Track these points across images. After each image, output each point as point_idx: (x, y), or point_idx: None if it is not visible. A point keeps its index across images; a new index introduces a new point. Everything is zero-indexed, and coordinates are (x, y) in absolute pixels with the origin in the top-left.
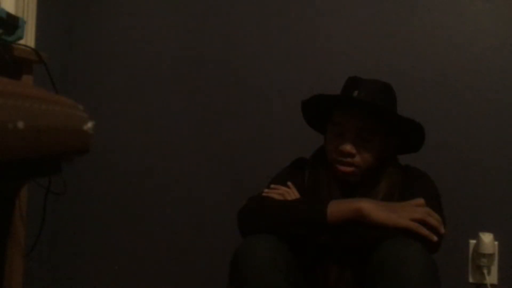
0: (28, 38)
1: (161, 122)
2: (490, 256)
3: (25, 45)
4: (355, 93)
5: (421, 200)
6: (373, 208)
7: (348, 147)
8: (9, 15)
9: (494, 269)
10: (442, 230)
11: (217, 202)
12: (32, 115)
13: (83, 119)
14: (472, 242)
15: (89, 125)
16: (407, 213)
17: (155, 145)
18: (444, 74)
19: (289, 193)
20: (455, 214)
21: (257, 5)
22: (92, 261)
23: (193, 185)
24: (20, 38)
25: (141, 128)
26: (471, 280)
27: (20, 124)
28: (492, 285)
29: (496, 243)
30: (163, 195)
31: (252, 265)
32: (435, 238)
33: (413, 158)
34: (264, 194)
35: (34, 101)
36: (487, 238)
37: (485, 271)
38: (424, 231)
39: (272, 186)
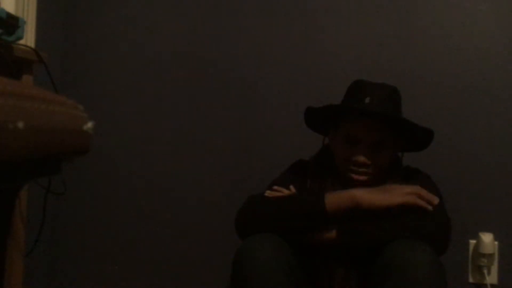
0: (28, 38)
1: (161, 122)
2: (490, 256)
3: (25, 45)
4: (367, 100)
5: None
6: (365, 194)
7: (363, 159)
8: (9, 15)
9: (494, 269)
10: (436, 201)
11: (218, 202)
12: (32, 115)
13: (83, 119)
14: (472, 242)
15: (89, 125)
16: (399, 190)
17: (155, 145)
18: (443, 75)
19: None
20: (455, 214)
21: (259, 4)
22: (92, 261)
23: (193, 185)
24: (20, 38)
25: (141, 128)
26: (471, 280)
27: (20, 124)
28: (492, 285)
29: (496, 243)
30: (163, 195)
31: (254, 265)
32: (430, 208)
33: (413, 159)
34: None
35: (34, 101)
36: (487, 238)
37: (485, 271)
38: (421, 202)
39: (274, 187)
